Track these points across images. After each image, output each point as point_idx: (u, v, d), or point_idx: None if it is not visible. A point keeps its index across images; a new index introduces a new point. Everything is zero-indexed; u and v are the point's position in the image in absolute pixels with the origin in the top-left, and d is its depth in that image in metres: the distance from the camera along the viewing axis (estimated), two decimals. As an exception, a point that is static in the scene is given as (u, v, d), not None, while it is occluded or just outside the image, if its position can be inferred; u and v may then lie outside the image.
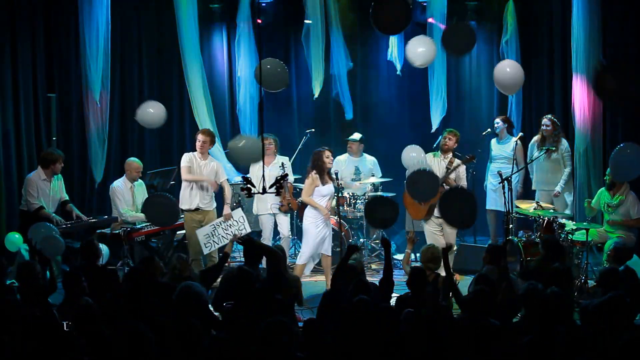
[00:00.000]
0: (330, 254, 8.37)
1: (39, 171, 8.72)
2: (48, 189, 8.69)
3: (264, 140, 8.72)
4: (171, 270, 6.58)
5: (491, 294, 5.43)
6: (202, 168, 8.67)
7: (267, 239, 9.04)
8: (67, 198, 9.01)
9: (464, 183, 8.76)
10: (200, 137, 8.66)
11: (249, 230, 8.68)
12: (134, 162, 9.08)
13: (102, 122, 9.90)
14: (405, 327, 5.20)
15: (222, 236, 8.56)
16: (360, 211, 9.66)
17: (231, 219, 8.64)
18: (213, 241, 8.56)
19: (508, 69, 8.47)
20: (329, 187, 8.45)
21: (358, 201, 9.65)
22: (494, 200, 9.77)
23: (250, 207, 9.73)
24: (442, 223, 8.48)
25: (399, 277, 8.97)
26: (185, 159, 8.69)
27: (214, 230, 8.55)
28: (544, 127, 9.30)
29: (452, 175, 8.63)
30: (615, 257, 7.06)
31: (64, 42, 9.92)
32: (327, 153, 8.42)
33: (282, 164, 8.88)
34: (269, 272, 6.27)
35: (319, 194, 8.37)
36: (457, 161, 8.67)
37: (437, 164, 8.76)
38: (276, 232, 9.26)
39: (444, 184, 8.60)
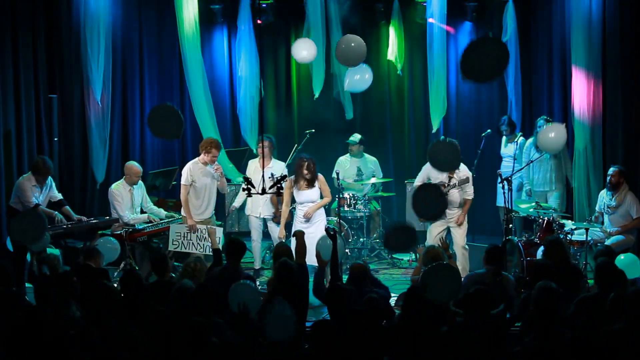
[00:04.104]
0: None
1: (29, 176, 8.58)
2: (37, 194, 8.60)
3: (259, 143, 8.75)
4: (184, 269, 6.60)
5: (488, 293, 5.44)
6: (206, 172, 8.65)
7: (256, 241, 9.06)
8: (61, 197, 8.91)
9: (470, 189, 8.60)
10: (215, 153, 8.54)
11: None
12: (134, 166, 8.91)
13: (104, 123, 9.92)
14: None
15: (193, 244, 8.40)
16: (360, 211, 9.68)
17: (207, 233, 8.36)
18: (182, 243, 8.39)
19: None
20: (306, 194, 8.38)
21: (358, 202, 9.67)
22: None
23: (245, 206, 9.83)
24: (448, 224, 8.45)
25: (398, 277, 9.06)
26: (185, 175, 8.48)
27: (187, 234, 8.42)
28: (539, 129, 9.33)
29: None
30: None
31: (65, 43, 9.93)
32: (305, 164, 8.30)
33: (272, 174, 8.39)
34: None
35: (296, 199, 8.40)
36: (454, 180, 8.60)
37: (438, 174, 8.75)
38: (265, 236, 9.25)
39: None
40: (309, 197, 8.34)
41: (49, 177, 8.76)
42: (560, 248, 6.96)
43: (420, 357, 5.06)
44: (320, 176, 8.44)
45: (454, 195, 8.45)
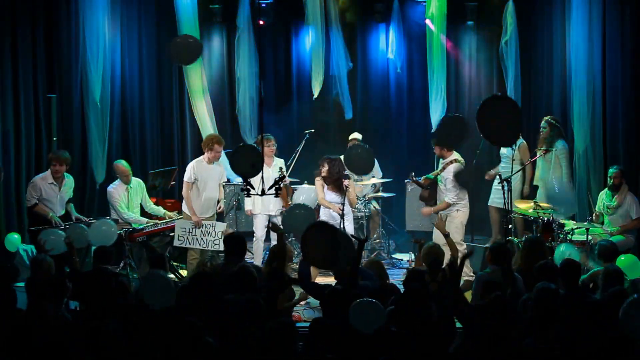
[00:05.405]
0: None
1: (46, 174, 8.72)
2: (55, 193, 8.68)
3: (268, 142, 8.78)
4: (201, 266, 6.59)
5: (504, 299, 5.36)
6: (210, 171, 8.67)
7: (260, 240, 9.03)
8: (71, 196, 8.97)
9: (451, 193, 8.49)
10: (218, 149, 8.63)
11: (221, 248, 8.22)
12: (119, 165, 9.01)
13: (103, 122, 9.90)
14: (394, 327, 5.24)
15: (197, 239, 8.48)
16: (360, 211, 9.67)
17: (210, 228, 8.51)
18: (187, 238, 8.47)
19: None
20: (331, 195, 8.53)
21: (358, 202, 9.65)
22: (497, 199, 9.69)
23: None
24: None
25: (398, 277, 9.05)
26: (188, 173, 8.59)
27: (192, 229, 8.50)
28: (541, 129, 9.36)
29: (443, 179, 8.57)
30: (600, 255, 6.97)
31: (64, 43, 9.91)
32: (326, 164, 8.50)
33: (281, 168, 8.75)
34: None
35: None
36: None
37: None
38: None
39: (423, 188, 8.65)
40: (333, 199, 8.51)
41: (65, 173, 8.80)
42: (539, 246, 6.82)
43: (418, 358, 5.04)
44: (348, 182, 8.47)
45: (441, 194, 8.53)
